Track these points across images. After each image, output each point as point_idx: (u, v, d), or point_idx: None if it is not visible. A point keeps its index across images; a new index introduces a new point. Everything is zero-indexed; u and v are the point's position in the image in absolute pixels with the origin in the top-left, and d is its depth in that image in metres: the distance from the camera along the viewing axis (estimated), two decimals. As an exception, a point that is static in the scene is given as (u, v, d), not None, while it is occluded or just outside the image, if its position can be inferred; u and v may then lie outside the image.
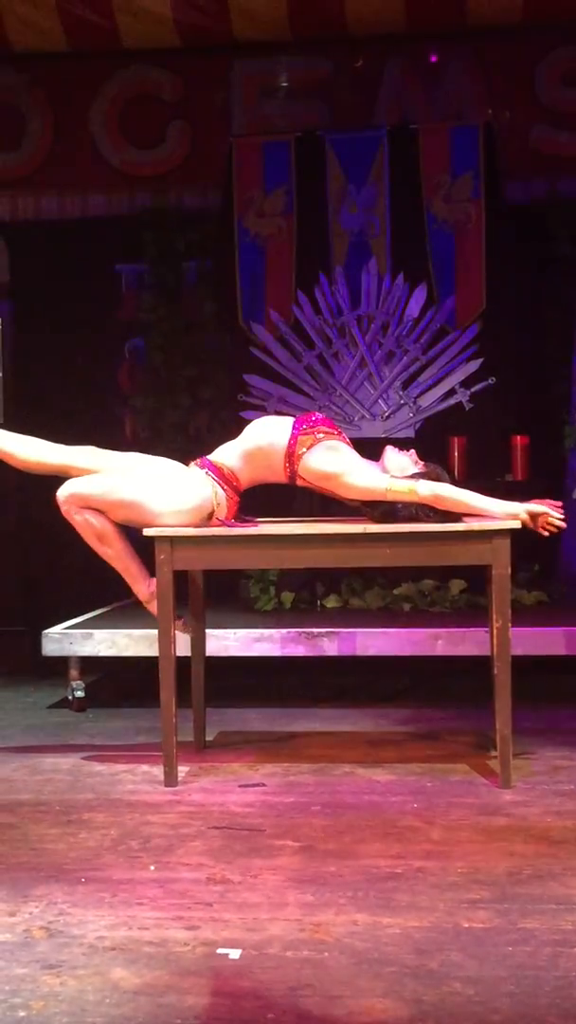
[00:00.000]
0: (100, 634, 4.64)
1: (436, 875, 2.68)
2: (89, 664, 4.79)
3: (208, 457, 3.68)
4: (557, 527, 3.44)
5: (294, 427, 3.60)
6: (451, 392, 6.10)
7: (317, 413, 3.72)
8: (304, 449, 3.55)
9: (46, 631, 4.68)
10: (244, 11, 6.10)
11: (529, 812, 3.18)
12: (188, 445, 5.61)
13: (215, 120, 6.53)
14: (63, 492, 3.60)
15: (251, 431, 3.69)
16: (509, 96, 6.35)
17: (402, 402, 6.14)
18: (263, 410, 6.06)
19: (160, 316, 6.36)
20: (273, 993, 2.07)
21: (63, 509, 3.61)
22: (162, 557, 3.48)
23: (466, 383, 6.08)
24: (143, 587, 3.67)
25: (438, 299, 6.12)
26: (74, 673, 4.71)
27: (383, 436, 5.90)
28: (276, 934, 2.35)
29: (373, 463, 3.63)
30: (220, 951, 2.27)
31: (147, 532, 3.50)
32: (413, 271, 6.13)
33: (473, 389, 6.06)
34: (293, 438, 3.57)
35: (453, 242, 6.15)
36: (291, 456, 3.57)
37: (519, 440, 5.85)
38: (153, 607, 3.61)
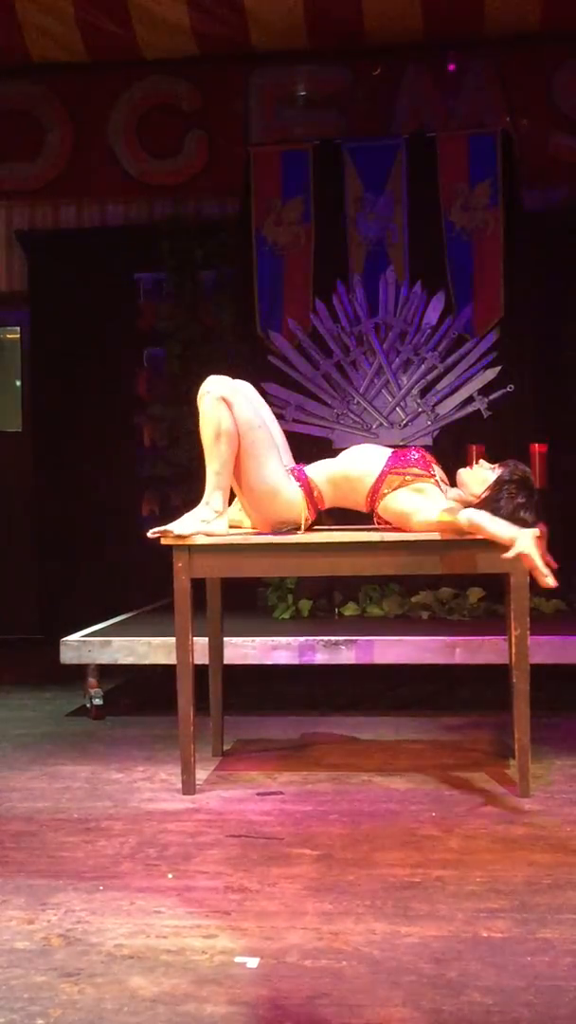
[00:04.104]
0: (118, 642, 4.64)
1: (454, 884, 2.67)
2: (107, 672, 4.80)
3: (304, 470, 3.59)
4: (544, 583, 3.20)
5: (388, 462, 3.53)
6: (469, 400, 6.10)
7: (415, 450, 3.56)
8: (388, 489, 3.49)
9: (64, 639, 4.70)
10: (262, 21, 6.13)
11: (548, 821, 3.17)
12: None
13: (233, 129, 6.56)
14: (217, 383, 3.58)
15: (347, 457, 3.61)
16: (527, 104, 6.36)
17: (420, 410, 6.14)
18: (281, 418, 6.06)
19: (178, 325, 6.39)
20: (291, 1002, 2.07)
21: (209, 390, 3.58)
22: (180, 565, 3.48)
23: (484, 391, 6.08)
24: (213, 507, 3.51)
25: (456, 307, 6.12)
26: (92, 681, 4.72)
27: (400, 444, 5.90)
28: (294, 943, 2.34)
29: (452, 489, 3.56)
30: (238, 960, 2.27)
31: (164, 541, 3.49)
32: (431, 279, 6.14)
33: (491, 397, 6.06)
34: (383, 474, 3.50)
35: (471, 250, 6.15)
36: (375, 493, 3.51)
37: (537, 448, 5.83)
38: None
